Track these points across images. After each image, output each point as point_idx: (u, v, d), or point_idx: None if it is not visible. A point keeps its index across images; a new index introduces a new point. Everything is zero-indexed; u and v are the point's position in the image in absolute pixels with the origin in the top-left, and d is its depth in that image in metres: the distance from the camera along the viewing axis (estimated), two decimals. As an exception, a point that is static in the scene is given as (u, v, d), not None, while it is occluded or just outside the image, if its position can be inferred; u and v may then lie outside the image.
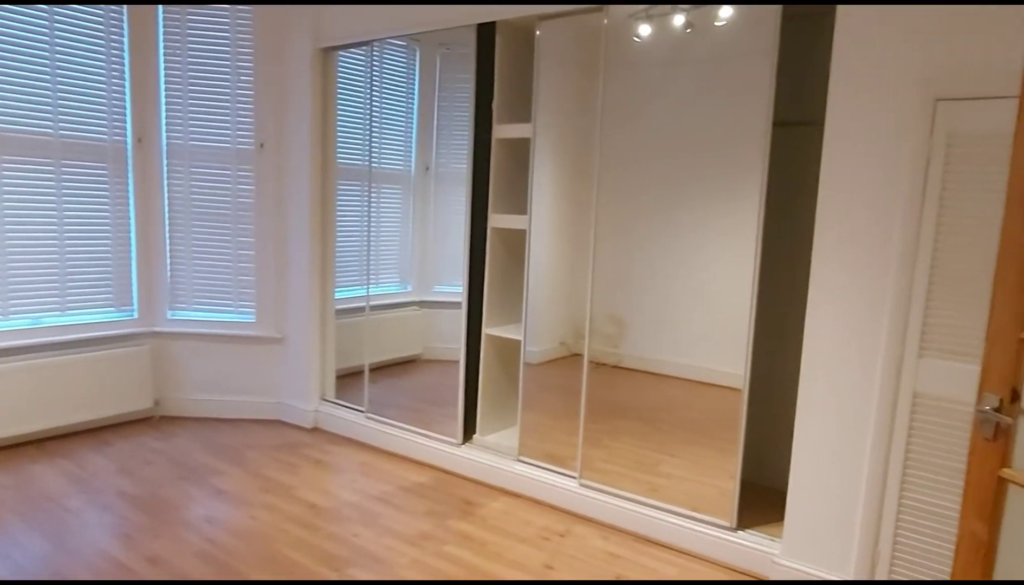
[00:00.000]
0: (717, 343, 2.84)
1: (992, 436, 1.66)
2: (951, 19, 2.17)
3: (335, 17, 3.94)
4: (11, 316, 3.72)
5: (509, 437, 3.69)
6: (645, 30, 2.92)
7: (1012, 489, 1.64)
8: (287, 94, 4.14)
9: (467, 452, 3.61)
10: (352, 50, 4.08)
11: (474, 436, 3.72)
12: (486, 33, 3.50)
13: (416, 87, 4.70)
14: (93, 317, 4.04)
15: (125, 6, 3.95)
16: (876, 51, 2.31)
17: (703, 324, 2.87)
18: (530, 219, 3.30)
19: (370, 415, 4.08)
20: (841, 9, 2.37)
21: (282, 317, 4.30)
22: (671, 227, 2.93)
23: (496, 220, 3.48)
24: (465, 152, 3.61)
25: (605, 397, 3.15)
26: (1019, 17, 2.06)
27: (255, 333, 4.29)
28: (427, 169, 4.99)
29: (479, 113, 3.51)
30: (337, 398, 4.30)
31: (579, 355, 3.24)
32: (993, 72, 2.10)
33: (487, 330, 3.59)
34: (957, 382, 2.22)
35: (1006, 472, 1.64)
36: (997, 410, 1.65)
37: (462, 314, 3.68)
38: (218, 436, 4.04)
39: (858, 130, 2.36)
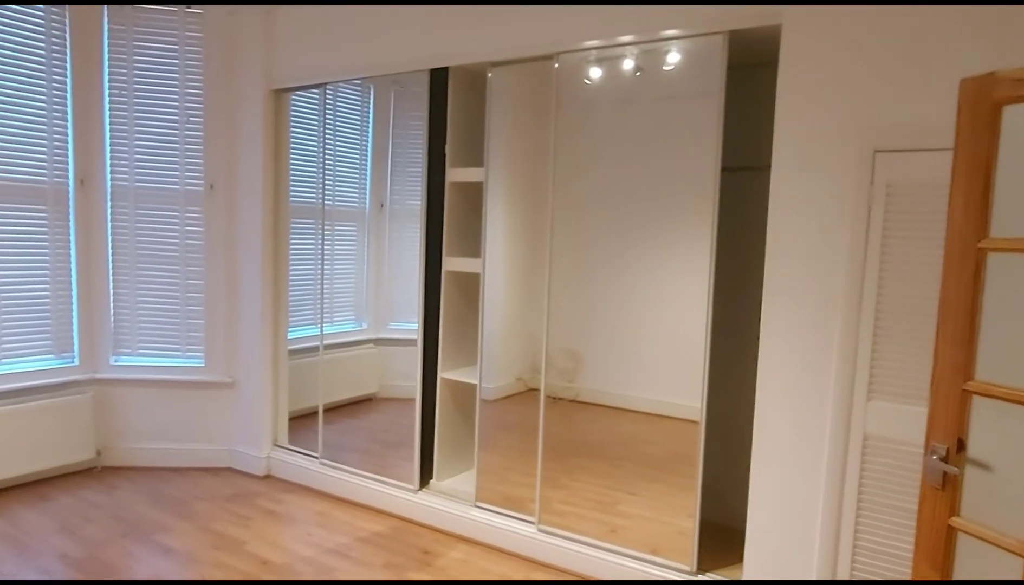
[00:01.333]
0: (674, 376, 2.86)
1: (940, 485, 1.69)
2: (888, 76, 2.26)
3: (287, 58, 3.92)
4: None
5: (466, 481, 3.63)
6: (596, 73, 2.96)
7: (962, 536, 1.67)
8: (238, 134, 4.08)
9: (424, 499, 3.54)
10: (304, 100, 4.05)
11: (431, 481, 3.65)
12: (439, 77, 3.51)
13: (370, 124, 4.67)
14: (31, 365, 3.86)
15: (68, 35, 3.85)
16: (817, 104, 2.39)
17: (659, 356, 2.89)
18: (484, 262, 3.30)
19: (324, 461, 3.98)
20: (784, 62, 2.45)
21: (233, 361, 4.19)
22: (625, 263, 2.96)
23: (450, 263, 3.46)
24: (419, 189, 3.59)
25: (563, 433, 3.13)
26: (952, 75, 2.15)
27: (204, 378, 4.16)
28: (382, 206, 4.96)
29: (432, 156, 3.51)
30: (291, 443, 4.19)
31: (536, 390, 3.22)
32: (927, 126, 2.19)
33: (443, 374, 3.55)
34: (905, 424, 2.27)
35: (955, 521, 1.67)
36: (944, 459, 1.68)
37: (417, 357, 3.64)
38: (165, 487, 3.88)
39: (801, 179, 2.43)
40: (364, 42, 3.64)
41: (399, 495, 3.63)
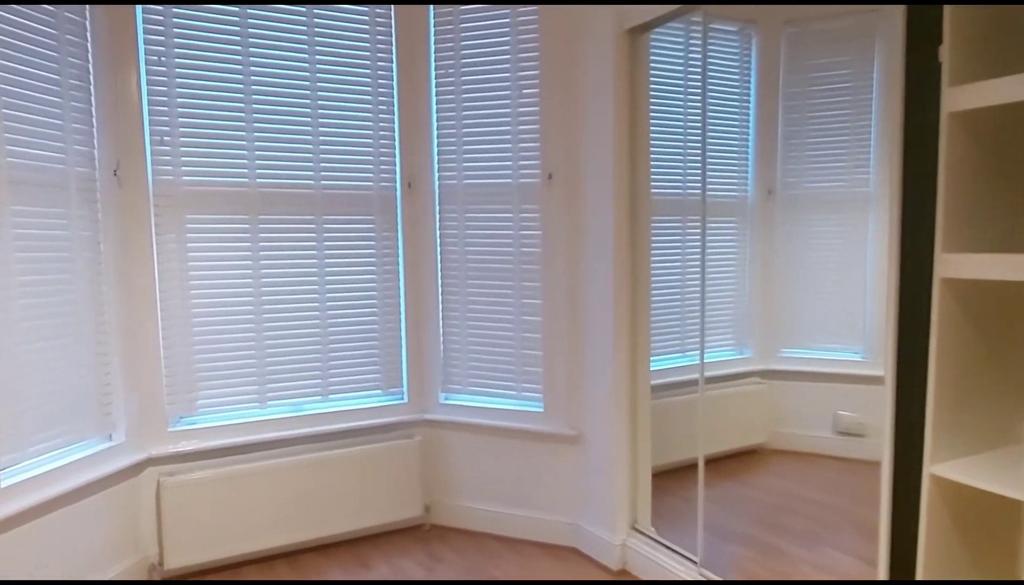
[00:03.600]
0: None
1: None
2: None
3: (644, -18, 2.75)
4: (270, 402, 3.13)
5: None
6: None
7: None
8: (581, 100, 3.04)
9: (894, 685, 1.97)
10: (662, 51, 2.84)
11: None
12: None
13: (752, 86, 3.38)
14: (359, 402, 3.32)
15: (393, 45, 3.25)
16: None
17: None
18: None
19: (706, 573, 2.65)
20: None
21: (577, 406, 3.14)
22: None
23: (953, 264, 1.84)
24: (828, 166, 2.27)
25: None
26: None
27: (542, 427, 3.19)
28: (769, 193, 3.64)
29: (912, 78, 1.96)
30: (656, 519, 2.97)
31: None
32: None
33: (933, 468, 1.93)
34: None
35: None
36: None
37: (886, 427, 2.07)
38: (493, 567, 2.97)
39: None
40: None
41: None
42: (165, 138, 2.86)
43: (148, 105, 2.83)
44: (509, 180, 3.20)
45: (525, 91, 3.13)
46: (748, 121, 3.81)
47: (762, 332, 3.93)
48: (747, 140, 3.83)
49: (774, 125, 3.94)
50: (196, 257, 2.95)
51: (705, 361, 3.91)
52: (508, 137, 3.18)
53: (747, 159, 3.85)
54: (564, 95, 3.06)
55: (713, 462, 3.38)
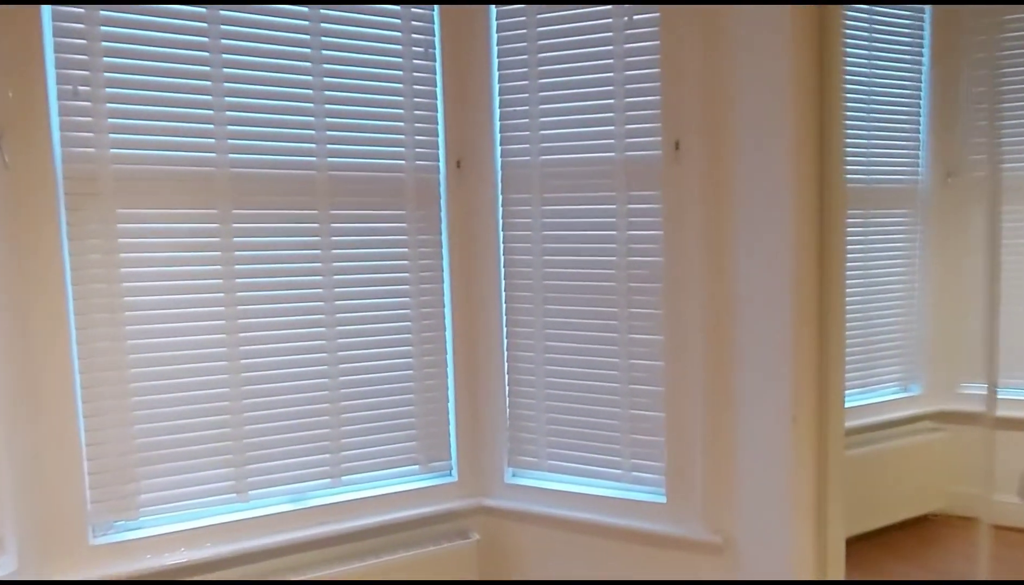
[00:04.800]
0: None
1: None
2: None
3: None
4: (254, 493, 2.07)
5: None
6: None
7: None
8: (725, 38, 1.94)
9: None
10: None
11: None
12: None
13: (926, 44, 2.84)
14: (386, 485, 2.24)
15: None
16: None
17: None
18: None
19: None
20: None
21: (722, 498, 2.03)
22: None
23: None
24: None
25: None
26: None
27: (665, 528, 2.08)
28: (948, 176, 2.95)
29: None
30: None
31: None
32: None
33: None
34: None
35: None
36: None
37: None
38: None
39: None
40: None
41: None
42: (79, 89, 1.81)
43: (53, 40, 1.78)
44: (612, 154, 2.11)
45: (638, 22, 2.04)
46: (919, 87, 2.74)
47: (937, 361, 2.87)
48: (917, 111, 2.76)
49: (953, 93, 2.87)
50: (134, 274, 1.90)
51: (863, 402, 2.85)
52: (610, 88, 2.10)
53: (918, 133, 2.76)
54: (702, 33, 1.96)
55: (874, 536, 2.73)
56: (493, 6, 2.21)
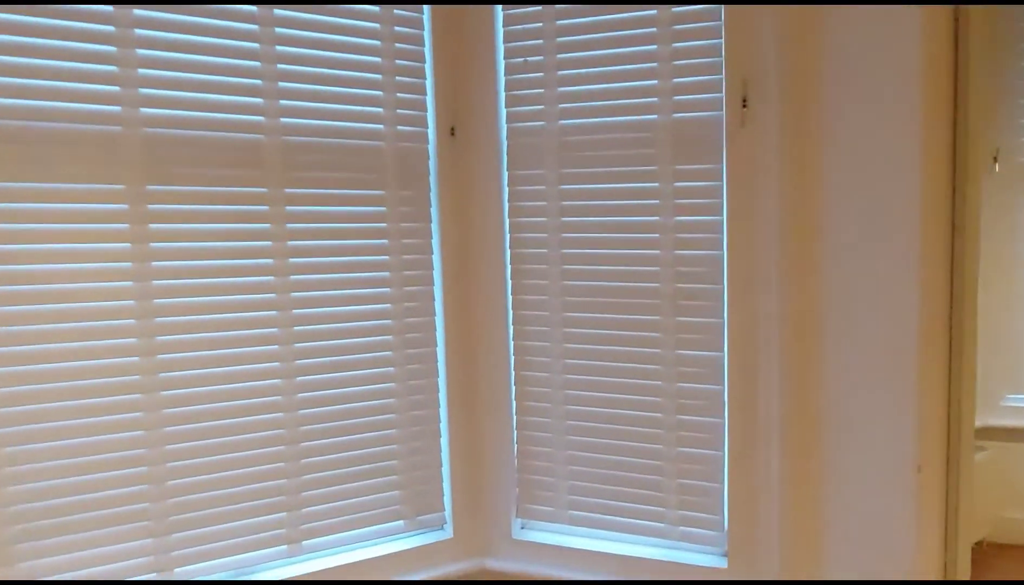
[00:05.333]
0: None
1: None
2: None
3: None
4: (180, 569, 1.53)
5: None
6: None
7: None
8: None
9: None
10: None
11: None
12: None
13: None
14: (361, 548, 1.72)
15: None
16: None
17: None
18: None
19: None
20: None
21: (808, 561, 1.56)
22: None
23: None
24: None
25: None
26: None
27: (729, 601, 1.61)
28: (994, 161, 2.61)
29: None
30: None
31: None
32: None
33: None
34: None
35: None
36: None
37: None
38: None
39: None
40: None
41: None
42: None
43: None
44: (654, 117, 1.62)
45: (691, -66, 1.56)
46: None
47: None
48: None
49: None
50: (4, 273, 1.35)
51: None
52: (652, 29, 1.61)
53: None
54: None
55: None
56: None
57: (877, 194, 1.38)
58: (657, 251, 1.64)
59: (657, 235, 1.64)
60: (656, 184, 1.63)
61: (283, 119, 1.56)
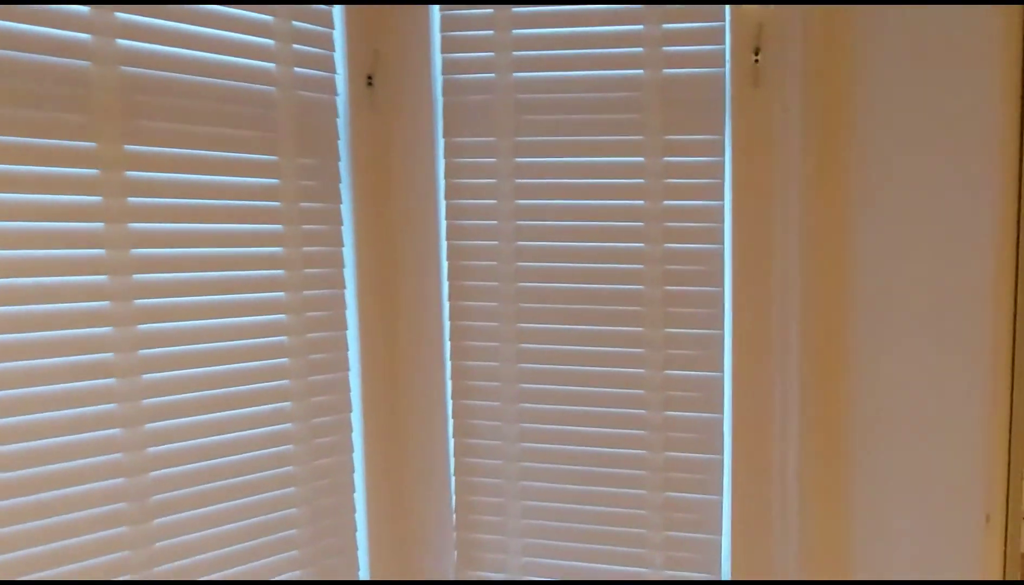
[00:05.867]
0: None
1: None
2: None
3: None
4: None
5: None
6: None
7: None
8: None
9: None
10: None
11: None
12: None
13: None
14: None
15: None
16: None
17: None
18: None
19: None
20: None
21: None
22: None
23: None
24: None
25: None
26: None
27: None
28: None
29: None
30: None
31: None
32: None
33: None
34: None
35: None
36: None
37: None
38: None
39: None
40: None
41: None
42: None
43: None
44: (639, 72, 1.26)
45: None
46: None
47: None
48: None
49: None
50: None
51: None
52: (639, -41, 1.25)
53: None
54: None
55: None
56: None
57: (935, 180, 1.10)
58: (641, 244, 1.29)
59: (641, 223, 1.28)
60: (641, 159, 1.28)
61: (121, 41, 1.04)
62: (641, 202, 1.28)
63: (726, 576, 1.30)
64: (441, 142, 1.35)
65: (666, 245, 1.28)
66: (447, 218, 1.35)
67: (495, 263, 1.34)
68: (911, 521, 1.14)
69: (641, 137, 1.27)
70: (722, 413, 1.28)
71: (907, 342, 1.14)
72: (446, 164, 1.34)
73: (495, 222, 1.33)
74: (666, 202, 1.28)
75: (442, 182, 1.35)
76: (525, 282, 1.33)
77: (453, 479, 1.39)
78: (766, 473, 1.25)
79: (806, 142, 1.19)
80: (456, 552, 1.40)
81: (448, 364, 1.37)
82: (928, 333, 1.11)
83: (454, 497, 1.39)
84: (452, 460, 1.38)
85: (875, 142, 1.16)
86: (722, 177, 1.26)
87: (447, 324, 1.37)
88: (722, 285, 1.27)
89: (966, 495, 1.08)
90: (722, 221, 1.26)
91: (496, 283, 1.34)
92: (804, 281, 1.21)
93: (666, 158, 1.27)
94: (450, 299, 1.36)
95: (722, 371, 1.28)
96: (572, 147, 1.30)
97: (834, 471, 1.21)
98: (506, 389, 1.35)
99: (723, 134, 1.25)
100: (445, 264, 1.36)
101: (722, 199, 1.26)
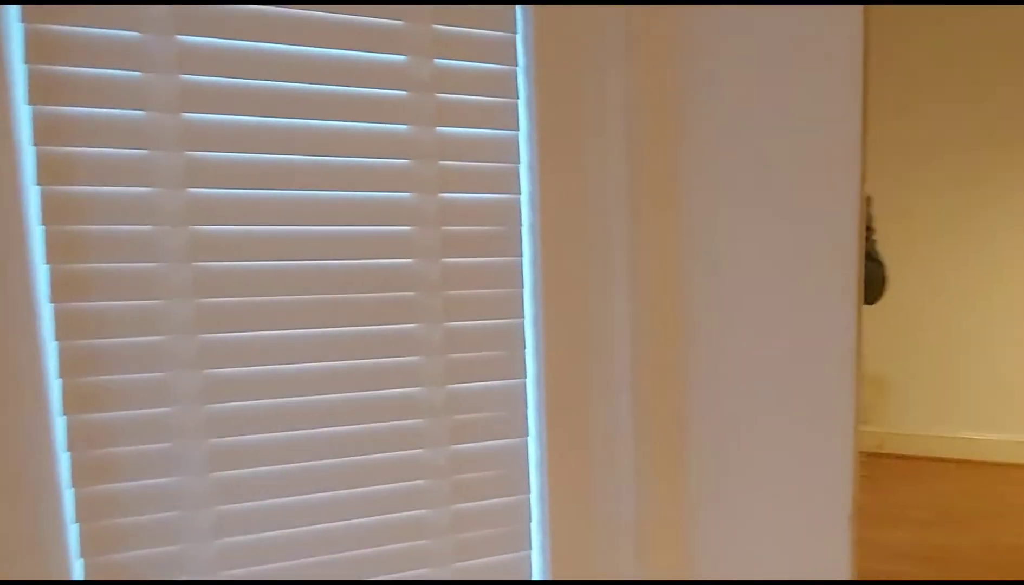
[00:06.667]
0: None
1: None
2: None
3: None
4: None
5: None
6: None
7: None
8: None
9: None
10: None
11: None
12: None
13: None
14: None
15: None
16: None
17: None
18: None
19: None
20: None
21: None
22: (974, 236, 1.88)
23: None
24: None
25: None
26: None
27: None
28: None
29: None
30: None
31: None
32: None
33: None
34: None
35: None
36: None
37: None
38: None
39: None
40: None
41: None
42: None
43: None
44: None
45: None
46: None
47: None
48: None
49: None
50: None
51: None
52: None
53: None
54: None
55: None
56: None
57: (790, 137, 0.87)
58: (411, 226, 0.85)
59: (398, 182, 0.83)
60: (396, 89, 0.80)
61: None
62: (404, 160, 0.82)
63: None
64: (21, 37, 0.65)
65: (444, 226, 0.86)
66: (40, 178, 0.70)
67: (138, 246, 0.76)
68: (759, 520, 1.03)
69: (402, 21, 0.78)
70: (525, 435, 0.99)
71: (764, 325, 0.95)
72: (31, 87, 0.67)
73: (136, 183, 0.73)
74: (438, 129, 0.84)
75: (27, 115, 0.68)
76: (208, 280, 0.79)
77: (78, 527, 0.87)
78: (585, 475, 1.01)
79: (634, 61, 0.85)
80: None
81: (49, 383, 0.79)
82: (786, 314, 0.94)
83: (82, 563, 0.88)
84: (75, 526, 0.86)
85: (713, 79, 0.87)
86: (515, 127, 0.86)
87: (46, 347, 0.76)
88: (518, 284, 0.92)
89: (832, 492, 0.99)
90: (516, 178, 0.88)
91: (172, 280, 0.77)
92: (632, 260, 0.92)
93: (435, 60, 0.81)
94: (52, 298, 0.75)
95: (524, 378, 0.96)
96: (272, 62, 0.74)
97: (669, 477, 1.03)
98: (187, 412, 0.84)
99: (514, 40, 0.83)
100: (41, 248, 0.73)
101: (516, 160, 0.87)
